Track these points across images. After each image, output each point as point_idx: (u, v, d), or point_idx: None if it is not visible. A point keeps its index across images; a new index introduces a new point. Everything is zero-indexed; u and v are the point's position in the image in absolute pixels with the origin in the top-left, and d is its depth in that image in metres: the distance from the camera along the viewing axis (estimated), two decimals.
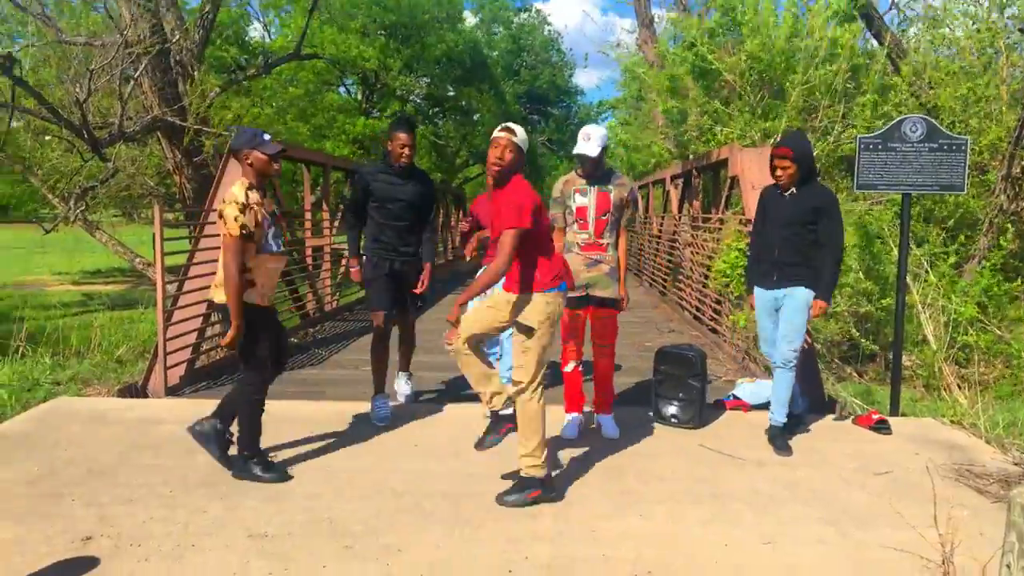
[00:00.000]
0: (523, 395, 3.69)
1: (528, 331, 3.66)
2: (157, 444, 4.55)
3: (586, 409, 4.97)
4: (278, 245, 3.97)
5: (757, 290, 4.71)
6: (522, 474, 3.75)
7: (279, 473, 4.02)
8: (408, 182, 5.03)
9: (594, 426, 4.93)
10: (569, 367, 4.75)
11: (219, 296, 3.87)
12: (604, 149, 4.49)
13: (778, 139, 10.16)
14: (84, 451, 4.41)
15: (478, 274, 4.02)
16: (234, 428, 4.07)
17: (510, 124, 3.75)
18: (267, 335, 3.98)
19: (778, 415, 4.67)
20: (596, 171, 4.54)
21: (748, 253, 4.93)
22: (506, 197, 3.60)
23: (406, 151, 4.94)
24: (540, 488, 3.73)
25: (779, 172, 4.47)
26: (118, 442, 4.57)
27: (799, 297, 4.50)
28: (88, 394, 6.25)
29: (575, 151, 4.51)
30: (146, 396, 5.91)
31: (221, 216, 3.73)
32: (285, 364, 4.23)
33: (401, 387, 5.62)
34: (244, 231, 3.70)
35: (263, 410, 4.06)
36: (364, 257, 5.13)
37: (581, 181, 4.59)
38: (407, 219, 5.05)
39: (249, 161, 3.86)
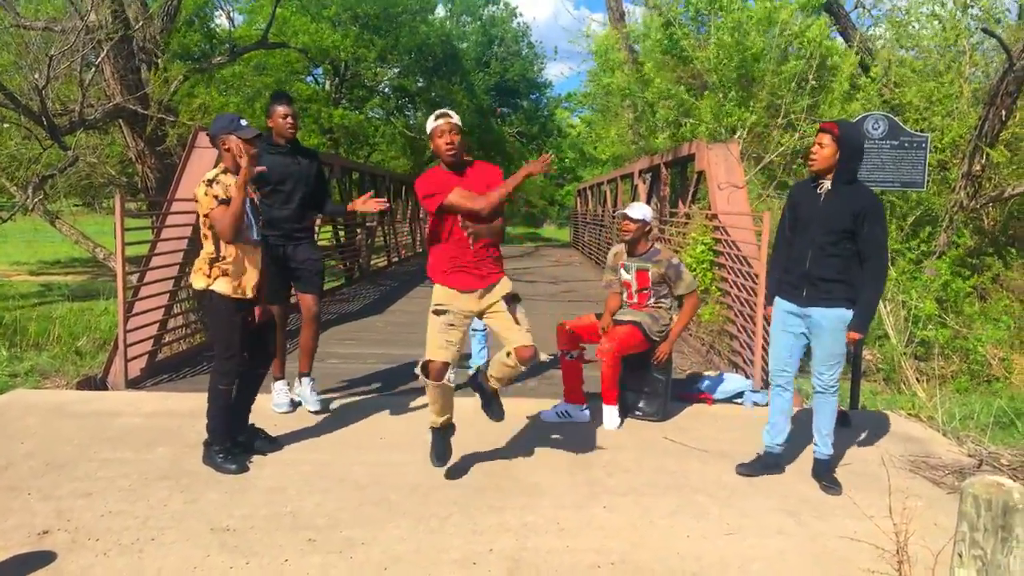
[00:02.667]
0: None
1: (516, 298, 3.93)
2: (117, 437, 4.47)
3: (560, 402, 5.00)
4: (255, 233, 4.00)
5: (780, 302, 4.07)
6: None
7: (240, 465, 3.99)
8: (296, 157, 4.87)
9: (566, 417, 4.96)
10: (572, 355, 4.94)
11: (198, 282, 3.90)
12: (646, 224, 4.86)
13: (742, 134, 10.29)
14: (42, 444, 4.33)
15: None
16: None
17: (444, 110, 3.83)
18: (240, 326, 3.95)
19: (823, 447, 4.05)
20: (636, 247, 4.91)
21: (772, 256, 4.27)
22: (491, 171, 3.91)
23: (288, 122, 4.80)
24: None
25: (815, 149, 3.83)
26: (77, 435, 4.49)
27: (835, 319, 3.84)
28: (47, 387, 6.13)
29: (621, 211, 4.94)
30: (106, 389, 5.81)
31: (197, 201, 3.81)
32: (265, 360, 4.20)
33: (305, 394, 5.09)
34: (217, 200, 3.77)
35: (231, 400, 4.03)
36: None
37: (625, 256, 4.98)
38: (303, 199, 4.89)
39: (227, 147, 3.86)
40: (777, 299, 4.10)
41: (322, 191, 5.09)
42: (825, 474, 4.04)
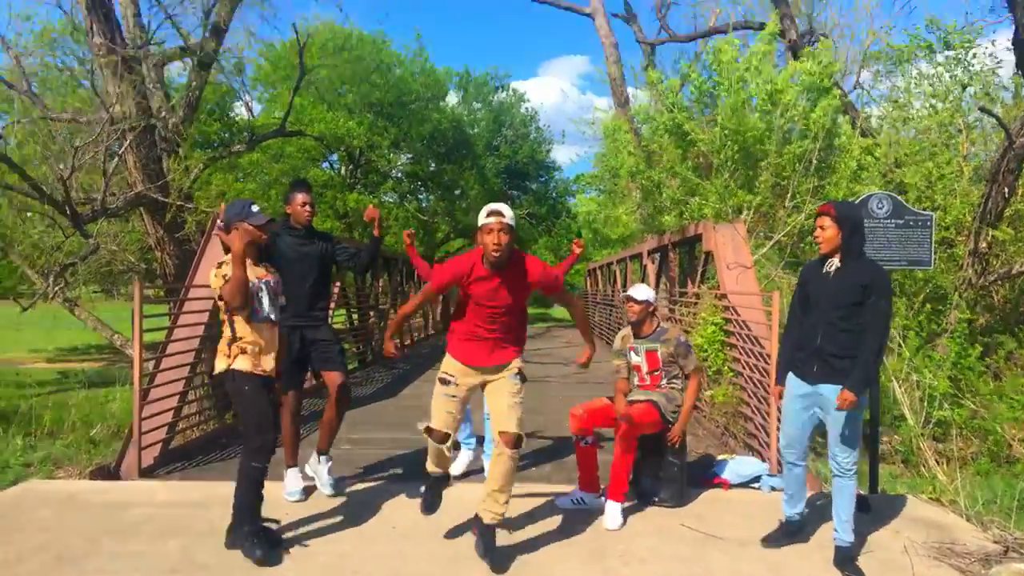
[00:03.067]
0: (517, 450, 3.92)
1: (522, 377, 4.05)
2: (128, 529, 4.44)
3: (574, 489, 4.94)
4: (273, 313, 4.10)
5: (792, 379, 4.13)
6: (491, 523, 3.95)
7: (265, 552, 3.92)
8: (311, 242, 5.02)
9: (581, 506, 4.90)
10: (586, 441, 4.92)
11: (220, 365, 4.00)
12: (650, 304, 4.95)
13: (747, 215, 10.42)
14: (53, 537, 4.30)
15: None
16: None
17: (497, 207, 3.84)
18: (266, 400, 4.03)
19: (844, 534, 4.00)
20: (642, 328, 4.97)
21: (784, 335, 4.32)
22: (535, 269, 3.99)
23: (307, 209, 4.97)
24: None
25: (817, 233, 3.97)
26: (88, 527, 4.46)
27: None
28: (60, 476, 6.11)
29: (626, 293, 5.00)
30: (119, 478, 5.79)
31: (211, 286, 3.98)
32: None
33: (321, 475, 5.11)
34: (225, 279, 3.88)
35: (263, 480, 4.04)
36: None
37: (632, 339, 5.01)
38: (316, 281, 5.01)
39: (239, 232, 3.95)
40: (789, 376, 4.17)
41: (345, 254, 5.18)
42: (847, 563, 3.96)
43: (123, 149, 9.30)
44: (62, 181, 8.31)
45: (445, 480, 4.26)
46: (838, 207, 3.99)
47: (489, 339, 4.03)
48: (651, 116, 12.61)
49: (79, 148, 8.46)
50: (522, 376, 4.09)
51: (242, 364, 3.96)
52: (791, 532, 4.33)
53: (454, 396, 4.00)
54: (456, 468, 5.61)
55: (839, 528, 4.02)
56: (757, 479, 5.51)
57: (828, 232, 3.94)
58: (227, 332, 3.99)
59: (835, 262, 3.97)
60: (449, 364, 4.09)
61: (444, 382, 4.01)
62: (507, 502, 3.98)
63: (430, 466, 4.24)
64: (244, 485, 4.01)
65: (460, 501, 4.90)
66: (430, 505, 4.23)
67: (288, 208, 5.03)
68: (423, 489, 4.21)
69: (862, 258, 3.97)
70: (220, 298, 3.95)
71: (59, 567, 3.88)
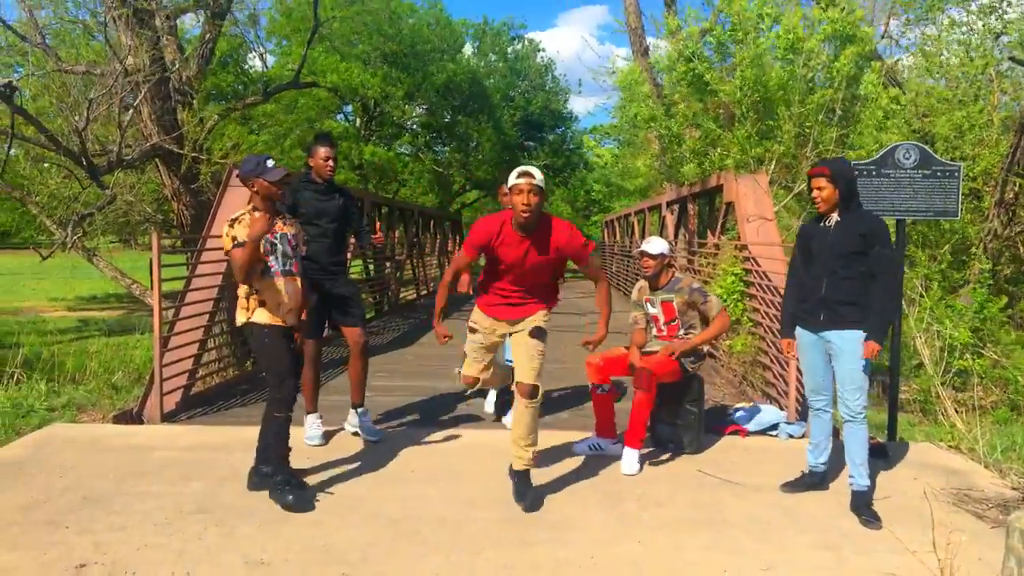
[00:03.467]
0: (534, 399, 4.00)
1: (543, 333, 4.08)
2: (152, 471, 4.52)
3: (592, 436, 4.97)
4: (290, 264, 4.07)
5: (801, 332, 4.24)
6: (521, 468, 4.07)
7: (297, 498, 3.95)
8: (333, 196, 5.06)
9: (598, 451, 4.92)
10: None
11: (240, 318, 4.05)
12: (665, 257, 4.86)
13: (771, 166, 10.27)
14: (79, 478, 4.39)
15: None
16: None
17: (528, 168, 3.87)
18: (287, 350, 4.04)
19: (860, 479, 4.05)
20: (658, 281, 4.91)
21: (785, 291, 4.41)
22: (561, 236, 3.96)
23: (329, 164, 4.98)
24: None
25: (815, 194, 4.10)
26: (113, 469, 4.54)
27: (851, 341, 3.99)
28: (83, 420, 6.22)
29: (640, 249, 4.94)
30: (141, 422, 5.88)
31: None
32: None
33: (365, 425, 5.24)
34: (234, 241, 3.86)
35: (289, 428, 4.09)
36: None
37: (648, 291, 4.97)
38: (336, 235, 5.07)
39: (255, 188, 3.97)
40: (798, 330, 4.27)
41: (357, 224, 5.24)
42: (864, 507, 3.97)
43: (137, 101, 9.26)
44: (77, 133, 8.30)
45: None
46: (831, 166, 4.09)
47: (516, 299, 4.12)
48: (671, 66, 12.35)
49: (93, 100, 8.42)
50: (540, 330, 4.10)
51: (261, 317, 3.98)
52: (812, 483, 4.34)
53: (481, 344, 4.14)
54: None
55: (854, 473, 4.05)
56: (774, 427, 5.52)
57: (825, 192, 4.06)
58: (244, 286, 4.02)
59: (834, 217, 4.09)
60: (477, 314, 4.23)
61: (472, 331, 4.16)
62: (532, 446, 4.06)
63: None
64: (271, 435, 4.05)
65: (477, 446, 4.94)
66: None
67: (310, 161, 5.02)
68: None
69: (859, 209, 4.12)
70: (232, 247, 3.91)
71: (86, 506, 3.96)
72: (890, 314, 4.06)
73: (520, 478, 4.09)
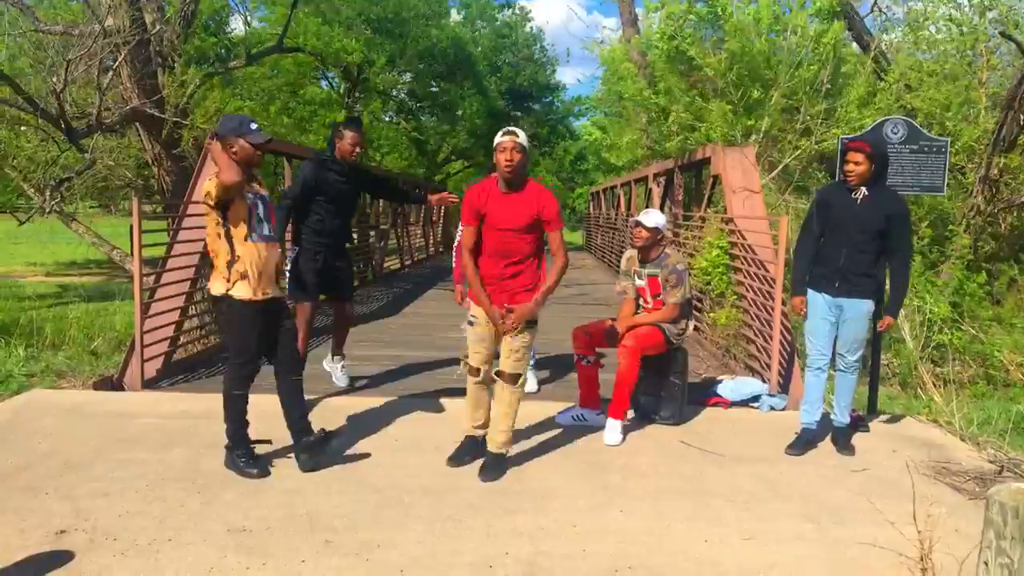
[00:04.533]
0: (514, 385, 4.04)
1: (533, 324, 4.06)
2: (133, 438, 4.49)
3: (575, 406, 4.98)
4: (269, 231, 3.95)
5: (814, 294, 4.48)
6: (494, 451, 4.09)
7: (262, 468, 3.99)
8: (350, 177, 5.31)
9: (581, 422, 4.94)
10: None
11: (217, 288, 3.85)
12: (659, 231, 4.82)
13: (757, 138, 10.25)
14: (59, 444, 4.35)
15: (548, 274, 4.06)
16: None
17: (512, 128, 3.97)
18: (256, 331, 3.91)
19: (842, 417, 4.58)
20: (648, 254, 4.89)
21: (797, 251, 4.60)
22: (543, 196, 3.96)
23: (356, 149, 5.21)
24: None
25: (850, 167, 4.24)
26: (94, 436, 4.51)
27: (863, 310, 4.37)
28: (63, 387, 6.16)
29: (635, 219, 4.90)
30: (122, 389, 5.84)
31: (207, 195, 3.73)
32: (287, 364, 4.13)
33: (335, 371, 5.72)
34: (219, 195, 3.68)
35: (246, 405, 4.03)
36: (296, 248, 5.27)
37: (637, 262, 4.97)
38: (350, 213, 5.46)
39: (234, 149, 3.76)
40: (810, 292, 4.49)
41: (390, 189, 5.87)
42: (843, 439, 4.55)
43: (117, 63, 9.07)
44: (55, 95, 8.13)
45: (479, 443, 4.19)
46: (873, 144, 4.28)
47: (507, 275, 4.00)
48: (654, 44, 12.25)
49: (72, 61, 8.23)
50: (530, 323, 4.04)
51: (241, 291, 3.81)
52: (810, 440, 4.57)
53: (481, 336, 4.09)
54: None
55: (839, 412, 4.57)
56: (757, 399, 5.55)
57: (862, 167, 4.22)
58: (224, 252, 3.81)
59: (863, 191, 4.26)
60: (473, 307, 4.15)
61: (470, 323, 4.13)
62: (508, 431, 4.07)
63: (464, 423, 4.27)
64: (231, 410, 3.98)
65: (461, 416, 4.93)
66: (459, 458, 4.18)
67: (337, 142, 5.19)
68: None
69: (885, 188, 4.37)
70: (216, 205, 3.72)
71: (66, 472, 3.93)
72: (906, 292, 4.46)
73: (489, 459, 4.09)
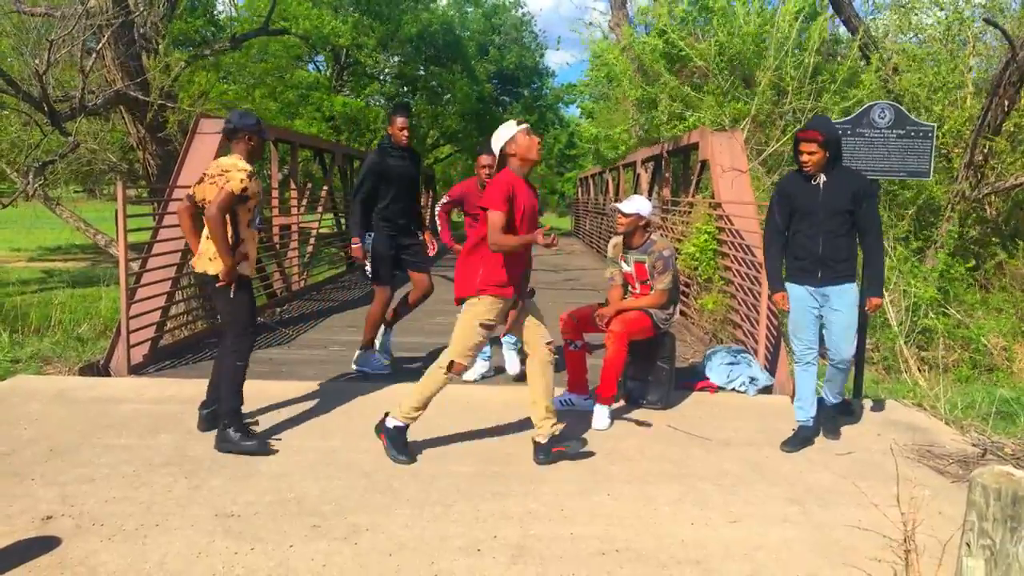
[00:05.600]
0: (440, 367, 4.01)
1: (532, 292, 4.20)
2: (119, 423, 4.47)
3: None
4: (261, 221, 4.41)
5: (795, 287, 4.39)
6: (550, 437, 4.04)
7: (260, 442, 4.06)
8: (408, 160, 5.61)
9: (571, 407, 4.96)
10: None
11: (212, 268, 4.04)
12: (640, 218, 4.79)
13: (745, 124, 10.25)
14: (45, 430, 4.33)
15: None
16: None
17: (491, 141, 4.10)
18: (253, 305, 4.24)
19: (831, 398, 4.59)
20: (633, 240, 4.87)
21: (766, 246, 4.52)
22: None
23: (404, 132, 5.52)
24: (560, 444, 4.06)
25: (805, 157, 4.20)
26: (80, 421, 4.49)
27: (852, 295, 4.30)
28: (48, 372, 6.12)
29: (614, 205, 4.93)
30: (108, 375, 5.80)
31: (224, 175, 3.98)
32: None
33: (385, 343, 5.96)
34: (244, 192, 3.99)
35: (244, 377, 4.18)
36: (370, 235, 5.57)
37: (623, 249, 4.96)
38: (411, 195, 5.67)
39: (252, 143, 4.16)
40: (791, 285, 4.41)
41: (417, 188, 5.84)
42: (829, 423, 4.57)
43: (100, 45, 8.94)
44: (38, 77, 8.01)
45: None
46: (823, 131, 4.18)
47: (526, 259, 4.14)
48: (642, 40, 12.23)
49: (54, 42, 8.11)
50: (532, 292, 4.24)
51: (243, 269, 4.12)
52: (807, 438, 4.44)
53: (487, 336, 4.13)
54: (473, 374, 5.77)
55: (827, 393, 4.59)
56: (744, 383, 5.57)
57: (816, 156, 4.19)
58: (229, 235, 4.04)
59: (822, 177, 4.24)
60: (490, 306, 4.01)
61: (485, 327, 4.02)
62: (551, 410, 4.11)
63: (413, 412, 4.04)
64: (232, 384, 4.10)
65: (450, 400, 4.95)
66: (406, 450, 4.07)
67: (389, 129, 5.56)
68: (397, 436, 4.06)
69: (843, 168, 4.32)
70: (240, 193, 3.97)
71: (52, 458, 3.91)
72: (884, 269, 4.40)
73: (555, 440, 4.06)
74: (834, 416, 4.64)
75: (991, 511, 2.07)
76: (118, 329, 5.87)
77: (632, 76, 12.80)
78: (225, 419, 4.07)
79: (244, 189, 3.98)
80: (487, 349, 5.86)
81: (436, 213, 5.85)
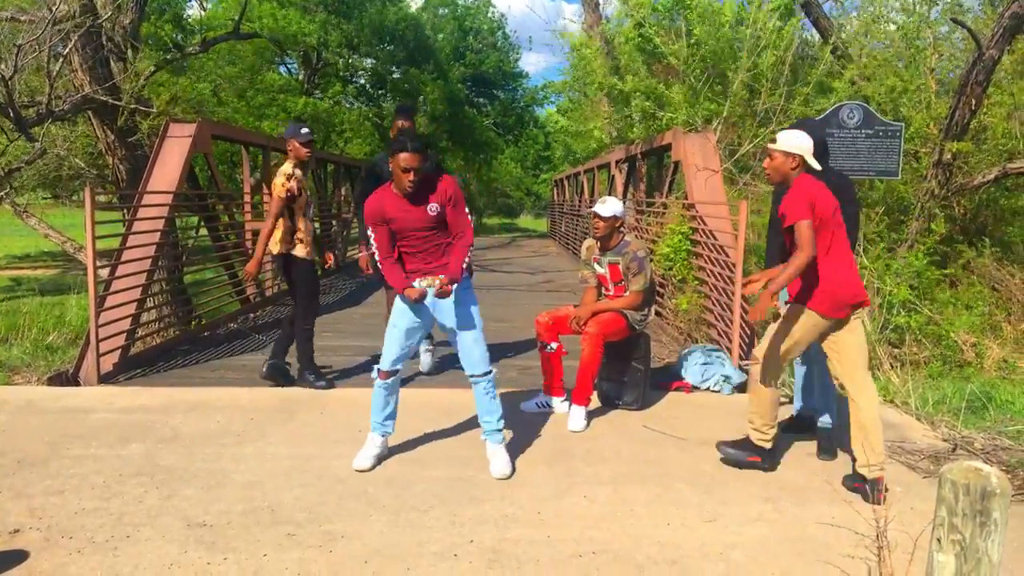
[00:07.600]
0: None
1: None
2: (89, 433, 4.40)
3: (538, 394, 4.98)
4: (313, 213, 5.46)
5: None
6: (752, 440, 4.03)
7: (328, 383, 5.41)
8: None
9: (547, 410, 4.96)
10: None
11: (279, 249, 5.26)
12: (616, 219, 4.79)
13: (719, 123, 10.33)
14: (12, 441, 4.25)
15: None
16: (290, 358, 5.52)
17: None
18: (316, 278, 5.44)
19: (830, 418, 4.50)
20: (607, 242, 4.88)
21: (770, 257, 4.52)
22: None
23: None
24: (760, 456, 4.01)
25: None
26: (48, 432, 4.41)
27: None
28: (17, 382, 6.01)
29: (591, 209, 4.93)
30: (78, 384, 5.71)
31: (276, 182, 5.13)
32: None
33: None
34: (288, 194, 5.09)
35: (313, 335, 5.46)
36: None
37: (597, 251, 4.96)
38: None
39: (291, 148, 5.20)
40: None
41: None
42: (826, 442, 4.40)
43: (68, 50, 8.81)
44: (4, 82, 7.87)
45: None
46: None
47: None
48: (619, 33, 12.30)
49: (21, 47, 7.98)
50: None
51: (300, 251, 5.25)
52: (802, 428, 4.56)
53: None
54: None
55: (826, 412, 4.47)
56: (718, 381, 5.61)
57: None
58: (286, 224, 5.21)
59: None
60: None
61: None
62: (764, 426, 4.04)
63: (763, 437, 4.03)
64: (304, 342, 5.37)
65: (424, 406, 4.93)
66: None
67: (392, 131, 5.61)
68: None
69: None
70: (287, 196, 5.10)
71: (20, 470, 3.84)
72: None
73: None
74: (830, 437, 4.48)
75: (960, 506, 2.10)
76: (87, 337, 5.77)
77: (607, 71, 12.86)
78: (306, 368, 5.38)
79: (288, 191, 5.04)
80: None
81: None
